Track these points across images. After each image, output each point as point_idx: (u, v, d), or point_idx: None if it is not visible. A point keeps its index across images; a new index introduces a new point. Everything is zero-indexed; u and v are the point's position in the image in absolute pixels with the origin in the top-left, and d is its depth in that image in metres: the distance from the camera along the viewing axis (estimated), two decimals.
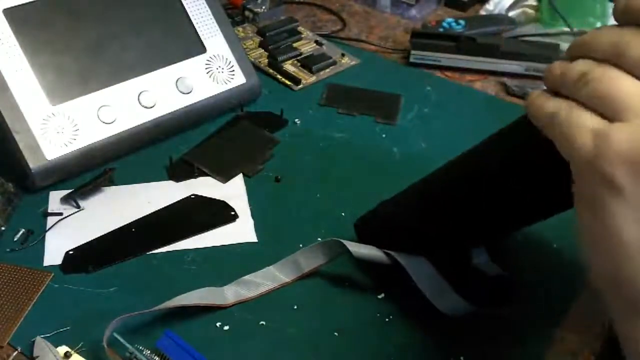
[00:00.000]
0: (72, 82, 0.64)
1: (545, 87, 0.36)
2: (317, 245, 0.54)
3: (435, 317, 0.51)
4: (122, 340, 0.48)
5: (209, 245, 0.58)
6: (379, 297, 0.54)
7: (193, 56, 0.71)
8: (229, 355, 0.49)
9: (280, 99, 0.77)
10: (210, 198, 0.63)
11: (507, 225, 0.51)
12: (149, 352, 0.48)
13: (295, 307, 0.53)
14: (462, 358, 0.49)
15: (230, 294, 0.53)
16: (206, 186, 0.64)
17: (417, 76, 0.83)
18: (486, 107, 0.78)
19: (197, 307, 0.51)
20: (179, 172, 0.66)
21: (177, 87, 0.69)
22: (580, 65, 0.33)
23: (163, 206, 0.62)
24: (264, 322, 0.52)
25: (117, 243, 0.58)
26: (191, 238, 0.59)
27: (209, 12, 0.73)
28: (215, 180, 0.65)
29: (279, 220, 0.61)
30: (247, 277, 0.54)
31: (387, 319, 0.52)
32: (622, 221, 0.30)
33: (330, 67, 0.82)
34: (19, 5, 0.63)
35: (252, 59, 0.81)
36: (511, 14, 0.94)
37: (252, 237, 0.59)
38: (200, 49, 0.71)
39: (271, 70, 0.81)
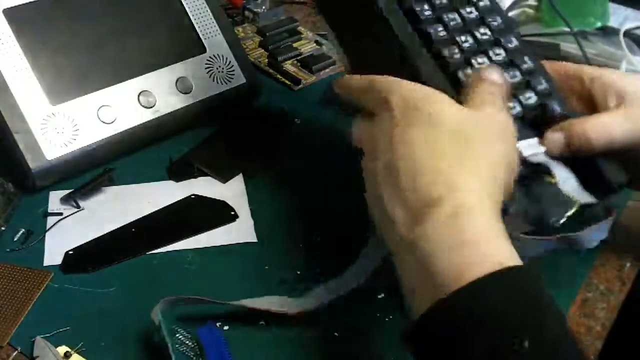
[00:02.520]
0: (72, 82, 0.64)
1: None
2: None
3: None
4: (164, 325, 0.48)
5: (209, 245, 0.58)
6: (379, 297, 0.54)
7: (193, 56, 0.71)
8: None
9: (280, 99, 0.77)
10: (210, 198, 0.63)
11: None
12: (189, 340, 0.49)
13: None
14: None
15: (296, 304, 0.51)
16: (206, 186, 0.64)
17: None
18: None
19: (196, 305, 0.51)
20: (179, 172, 0.66)
21: (177, 87, 0.69)
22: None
23: (163, 206, 0.62)
24: (263, 322, 0.51)
25: (117, 243, 0.58)
26: (191, 238, 0.59)
27: (209, 12, 0.73)
28: (215, 180, 0.65)
29: (279, 220, 0.61)
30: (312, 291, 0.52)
31: (387, 319, 0.52)
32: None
33: (330, 67, 0.82)
34: (19, 5, 0.63)
35: (252, 59, 0.81)
36: (511, 14, 0.94)
37: (252, 237, 0.59)
38: (200, 49, 0.71)
39: (271, 70, 0.81)
